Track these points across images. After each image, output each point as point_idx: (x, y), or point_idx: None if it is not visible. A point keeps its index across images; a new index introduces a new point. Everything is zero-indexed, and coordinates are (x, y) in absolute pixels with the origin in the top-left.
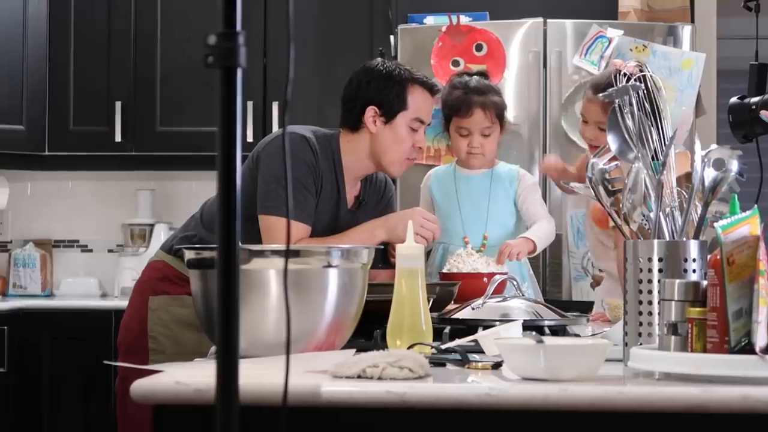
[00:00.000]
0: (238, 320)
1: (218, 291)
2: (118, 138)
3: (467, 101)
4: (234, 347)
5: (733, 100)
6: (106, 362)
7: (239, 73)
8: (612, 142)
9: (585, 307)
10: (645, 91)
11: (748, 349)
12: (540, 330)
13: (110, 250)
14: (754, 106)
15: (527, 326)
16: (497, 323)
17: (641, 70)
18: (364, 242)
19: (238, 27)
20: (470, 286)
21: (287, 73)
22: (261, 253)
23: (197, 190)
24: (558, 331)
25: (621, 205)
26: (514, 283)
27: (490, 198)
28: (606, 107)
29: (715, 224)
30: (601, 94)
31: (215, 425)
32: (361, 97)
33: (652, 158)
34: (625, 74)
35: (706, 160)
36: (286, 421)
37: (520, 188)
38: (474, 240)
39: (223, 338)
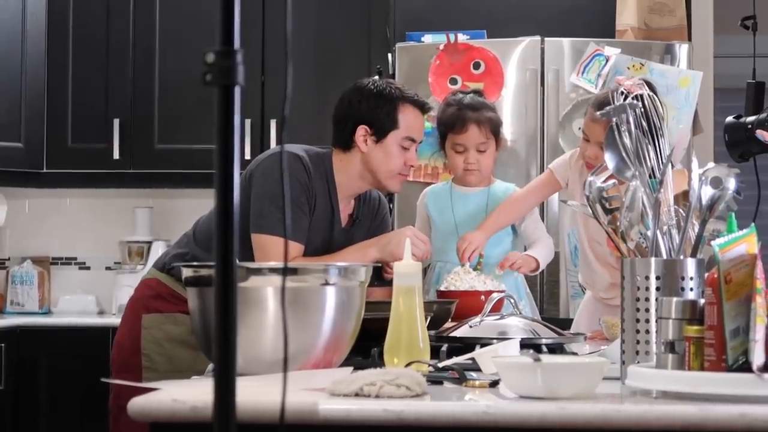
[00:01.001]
0: (235, 338)
1: (216, 309)
2: (116, 155)
3: (461, 117)
4: (232, 365)
5: (729, 119)
6: (103, 380)
7: (237, 91)
8: (609, 160)
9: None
10: (643, 110)
11: (745, 367)
12: (537, 348)
13: (108, 268)
14: (750, 126)
15: (525, 344)
16: (494, 341)
17: (647, 86)
18: (357, 261)
19: (237, 45)
20: (467, 304)
21: (285, 90)
22: (258, 271)
23: (195, 207)
24: (555, 349)
25: (618, 224)
26: (512, 301)
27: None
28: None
29: (713, 242)
30: (598, 112)
31: None
32: (352, 116)
33: (650, 176)
34: (623, 92)
35: (703, 178)
36: None
37: None
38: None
39: (221, 356)
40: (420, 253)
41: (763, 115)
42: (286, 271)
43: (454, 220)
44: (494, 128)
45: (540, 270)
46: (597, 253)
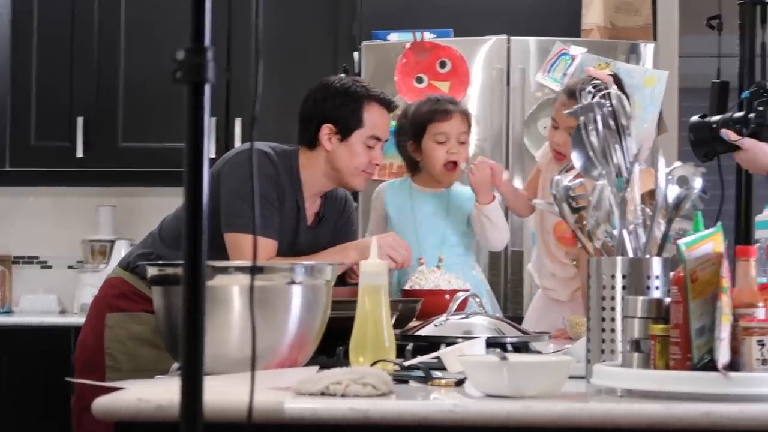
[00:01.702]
0: (203, 337)
1: (184, 308)
2: (79, 153)
3: (444, 107)
4: (199, 364)
5: (694, 118)
6: (67, 379)
7: (207, 88)
8: (576, 159)
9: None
10: (610, 108)
11: (710, 366)
12: (503, 347)
13: (70, 267)
14: (715, 125)
15: (490, 343)
16: (460, 340)
17: (615, 81)
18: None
19: (207, 42)
20: (432, 303)
21: (255, 88)
22: (225, 270)
23: (159, 206)
24: (520, 348)
25: (585, 222)
26: (477, 300)
27: (447, 218)
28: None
29: (679, 241)
30: (566, 111)
31: None
32: (317, 114)
33: (616, 175)
34: (590, 91)
35: (669, 177)
36: None
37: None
38: (429, 261)
39: (188, 355)
40: (401, 259)
41: (728, 115)
42: (254, 270)
43: (414, 218)
44: (470, 122)
45: (490, 213)
46: (546, 243)
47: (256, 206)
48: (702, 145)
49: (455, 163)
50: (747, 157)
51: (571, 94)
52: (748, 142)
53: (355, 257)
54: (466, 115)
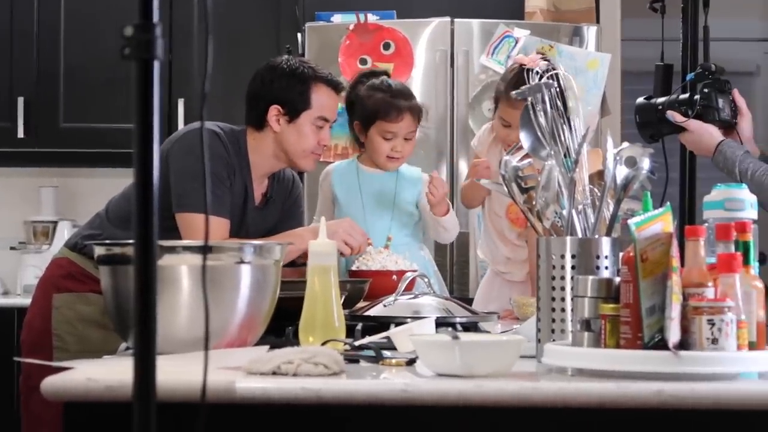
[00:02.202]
0: (155, 317)
1: (136, 288)
2: (20, 134)
3: (396, 106)
4: (152, 344)
5: (640, 100)
6: (16, 359)
7: (156, 65)
8: (525, 139)
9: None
10: (558, 89)
11: (661, 345)
12: (452, 327)
13: (12, 248)
14: (660, 106)
15: (439, 323)
16: (409, 320)
17: (548, 64)
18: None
19: (155, 18)
20: (379, 284)
21: (205, 66)
22: (173, 249)
23: (101, 187)
24: (469, 328)
25: (534, 203)
26: (425, 280)
27: (395, 199)
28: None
29: (629, 221)
30: (513, 92)
31: (127, 422)
32: (265, 95)
33: (565, 156)
34: (537, 72)
35: (618, 158)
36: (205, 417)
37: (423, 191)
38: (377, 241)
39: (140, 335)
40: (356, 245)
41: (673, 96)
42: (206, 249)
43: (362, 200)
44: (421, 116)
45: (446, 223)
46: (497, 227)
47: (207, 185)
48: (647, 126)
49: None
50: (692, 138)
51: (515, 89)
52: (693, 124)
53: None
54: (417, 113)
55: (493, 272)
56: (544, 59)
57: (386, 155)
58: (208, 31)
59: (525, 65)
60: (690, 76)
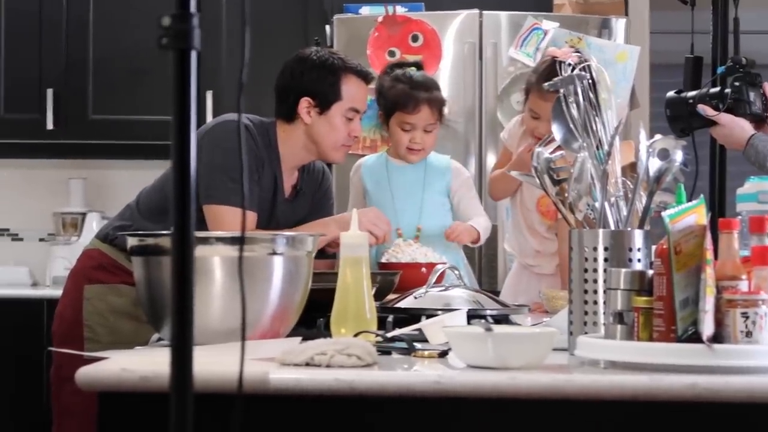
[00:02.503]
0: (192, 307)
1: (173, 279)
2: (49, 125)
3: (414, 97)
4: (188, 335)
5: (670, 94)
6: (50, 349)
7: (194, 55)
8: (557, 131)
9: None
10: (590, 81)
11: (694, 338)
12: (483, 319)
13: (41, 239)
14: (691, 100)
15: (471, 315)
16: (440, 312)
17: (580, 57)
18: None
19: (192, 8)
20: (409, 276)
21: (242, 57)
22: (206, 240)
23: (130, 178)
24: (500, 320)
25: (566, 195)
26: (456, 272)
27: (425, 190)
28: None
29: (663, 213)
30: (546, 84)
31: (161, 412)
32: (295, 87)
33: (597, 148)
34: (570, 64)
35: (650, 150)
36: (242, 408)
37: (454, 182)
38: (407, 232)
39: (177, 326)
40: (381, 234)
41: (704, 90)
42: (243, 240)
43: (391, 192)
44: (441, 108)
45: (480, 243)
46: (527, 220)
47: (243, 177)
48: (678, 120)
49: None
50: (723, 132)
51: (546, 81)
52: (724, 118)
53: (336, 231)
54: (436, 105)
55: (520, 265)
56: (577, 52)
57: (405, 146)
58: (245, 21)
59: (558, 58)
60: (721, 69)
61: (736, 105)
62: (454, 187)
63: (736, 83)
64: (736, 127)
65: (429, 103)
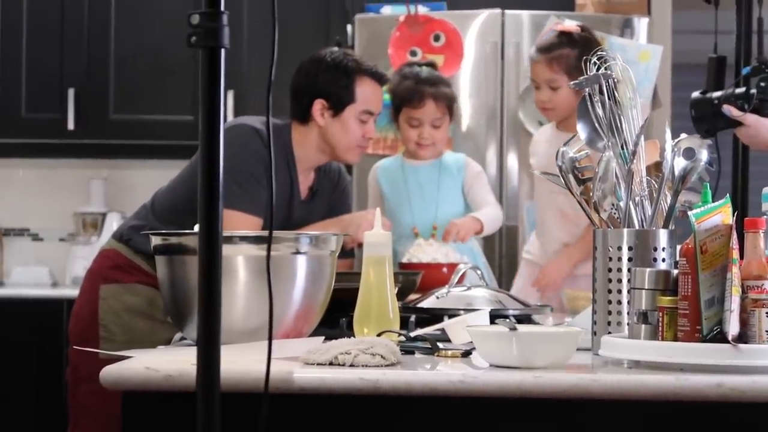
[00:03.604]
0: (219, 307)
1: (200, 278)
2: (70, 126)
3: (419, 91)
4: (216, 334)
5: (695, 94)
6: (75, 348)
7: (223, 53)
8: (582, 130)
9: None
10: (615, 80)
11: (720, 338)
12: (506, 319)
13: (62, 239)
14: (716, 101)
15: (493, 315)
16: (462, 312)
17: (583, 30)
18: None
19: (222, 7)
20: (430, 276)
21: (272, 54)
22: (229, 240)
23: (150, 178)
24: (523, 320)
25: (591, 194)
26: (478, 272)
27: (440, 188)
28: (551, 63)
29: (689, 212)
30: (571, 83)
31: (186, 411)
32: (309, 89)
33: (622, 147)
34: (595, 62)
35: (676, 149)
36: (268, 407)
37: (466, 176)
38: (423, 231)
39: (204, 325)
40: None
41: (729, 90)
42: (270, 240)
43: (407, 192)
44: (449, 103)
45: (485, 233)
46: (558, 204)
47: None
48: (703, 121)
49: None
50: (749, 133)
51: (541, 49)
52: (750, 118)
53: (339, 225)
54: (442, 99)
55: (527, 264)
56: (584, 30)
57: (415, 142)
58: (275, 18)
59: (562, 30)
60: (746, 69)
61: (761, 106)
62: (467, 181)
63: (762, 84)
64: (761, 128)
65: (434, 98)
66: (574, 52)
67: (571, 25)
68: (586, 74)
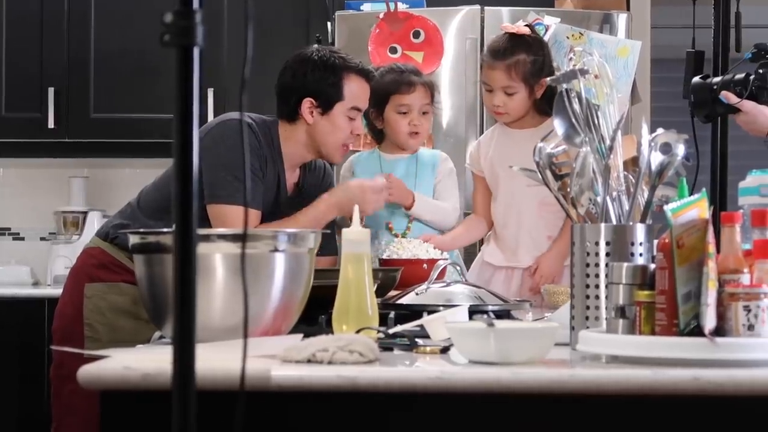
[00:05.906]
0: (194, 305)
1: (175, 277)
2: (51, 124)
3: (407, 79)
4: (191, 332)
5: (696, 79)
6: (53, 347)
7: (196, 52)
8: (559, 126)
9: None
10: (594, 76)
11: (697, 331)
12: (485, 315)
13: (42, 238)
14: (715, 86)
15: (472, 311)
16: (441, 308)
17: (531, 30)
18: (317, 217)
19: (195, 5)
20: (410, 272)
21: (245, 52)
22: (207, 238)
23: (131, 177)
24: (502, 315)
25: (568, 189)
26: (457, 268)
27: (416, 183)
28: (510, 70)
29: (665, 207)
30: (548, 79)
31: (164, 410)
32: (297, 88)
33: (599, 142)
34: (571, 58)
35: (652, 144)
36: (244, 405)
37: (438, 172)
38: (398, 226)
39: (180, 323)
40: (386, 196)
41: (728, 77)
42: (245, 238)
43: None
44: (434, 92)
45: (414, 210)
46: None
47: (246, 175)
48: (703, 106)
49: (417, 133)
50: (747, 119)
51: (496, 54)
52: (747, 105)
53: (333, 211)
54: (429, 87)
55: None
56: (527, 26)
57: (407, 131)
58: (248, 16)
59: (510, 32)
60: (747, 54)
61: (759, 92)
62: (437, 176)
63: (760, 70)
64: (759, 114)
65: (423, 84)
66: (529, 57)
67: (519, 26)
68: (562, 70)
